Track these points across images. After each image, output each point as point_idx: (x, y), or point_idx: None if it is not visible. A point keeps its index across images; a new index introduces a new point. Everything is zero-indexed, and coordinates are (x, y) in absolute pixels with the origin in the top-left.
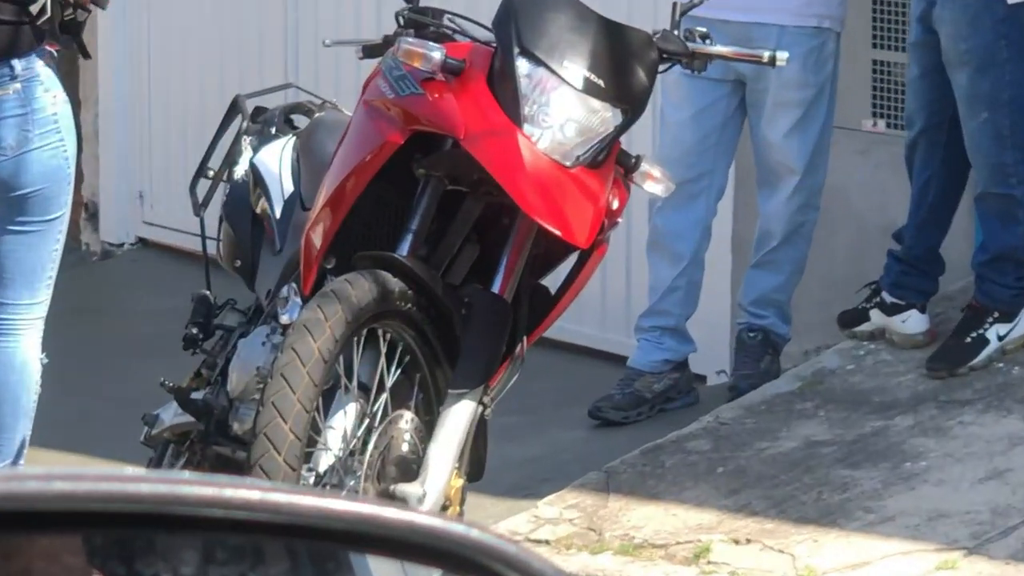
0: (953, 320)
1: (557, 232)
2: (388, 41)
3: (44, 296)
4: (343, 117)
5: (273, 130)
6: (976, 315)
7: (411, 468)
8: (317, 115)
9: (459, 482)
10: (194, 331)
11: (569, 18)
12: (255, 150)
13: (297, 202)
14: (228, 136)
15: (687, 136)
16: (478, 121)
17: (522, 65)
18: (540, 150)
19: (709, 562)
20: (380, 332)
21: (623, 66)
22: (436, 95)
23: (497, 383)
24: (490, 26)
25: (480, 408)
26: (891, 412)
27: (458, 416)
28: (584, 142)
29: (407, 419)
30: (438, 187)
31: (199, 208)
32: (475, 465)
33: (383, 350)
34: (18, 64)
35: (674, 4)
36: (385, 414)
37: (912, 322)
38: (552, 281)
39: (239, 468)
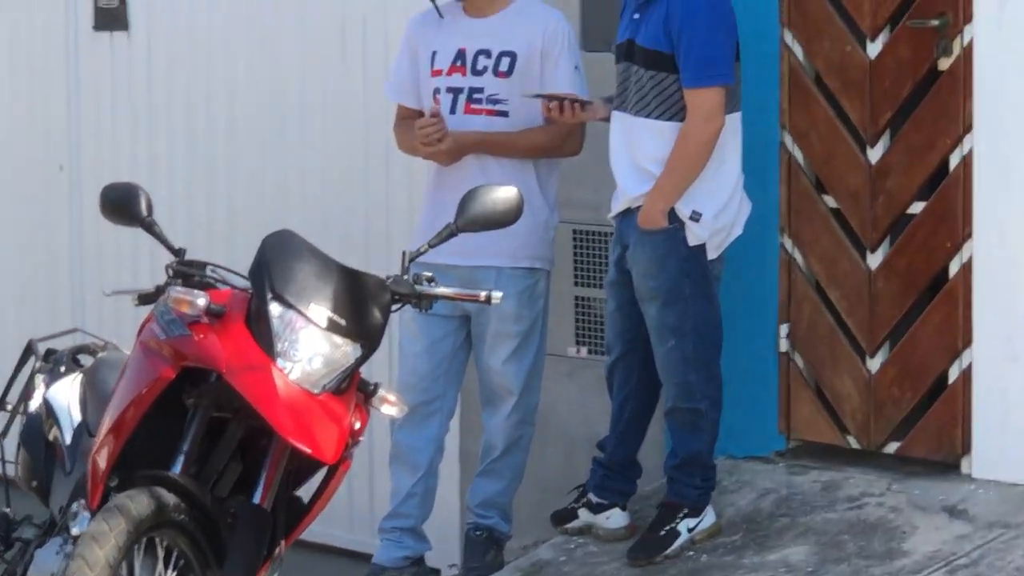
0: (649, 516)
1: (307, 451)
2: (160, 290)
3: None
4: (122, 356)
5: (63, 368)
6: (669, 511)
7: None
8: (100, 355)
9: None
10: None
11: (314, 267)
12: (47, 386)
13: (84, 430)
14: (23, 374)
15: (421, 365)
16: (238, 357)
17: (274, 308)
18: (292, 380)
19: None
20: (158, 540)
21: (361, 307)
22: (201, 336)
23: None
24: (247, 275)
25: None
26: None
27: None
28: (329, 373)
29: None
30: (205, 414)
31: None
32: None
33: (160, 555)
34: None
35: (403, 252)
36: None
37: (615, 519)
38: (306, 491)
39: None
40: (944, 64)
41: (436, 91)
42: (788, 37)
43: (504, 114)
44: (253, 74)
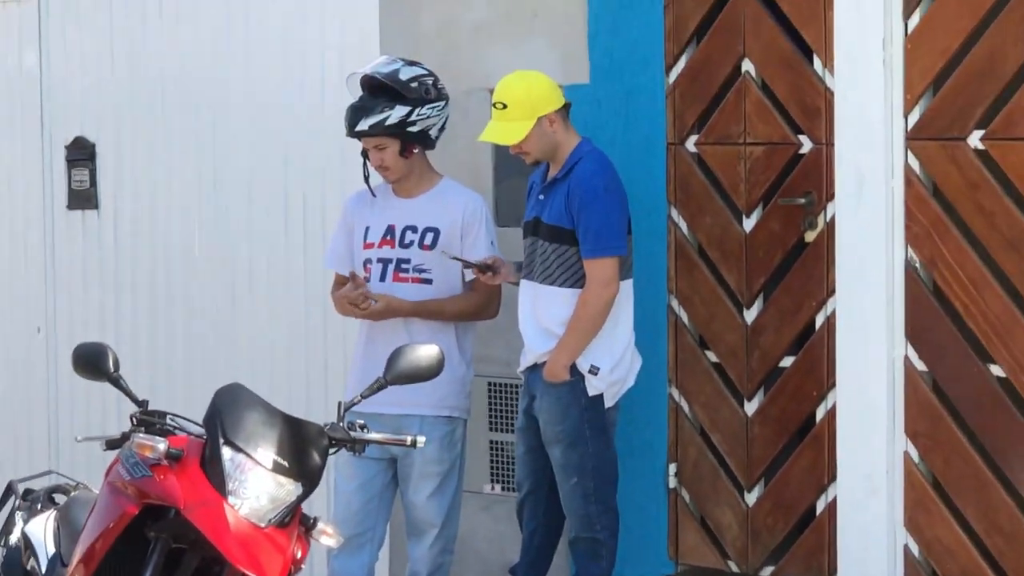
0: None
1: None
2: (125, 436)
3: None
4: (92, 495)
5: (39, 506)
6: None
7: None
8: (73, 494)
9: None
10: None
11: (261, 415)
12: (26, 521)
13: (59, 560)
14: (4, 512)
15: (355, 501)
16: (194, 495)
17: (226, 452)
18: (241, 515)
19: None
20: None
21: (302, 451)
22: (162, 476)
23: None
24: (202, 423)
25: None
26: None
27: None
28: (274, 508)
29: None
30: (165, 545)
31: None
32: None
33: None
34: None
35: (339, 403)
36: None
37: None
38: None
39: None
40: (810, 237)
41: (367, 261)
42: (674, 213)
43: (428, 281)
44: (207, 247)
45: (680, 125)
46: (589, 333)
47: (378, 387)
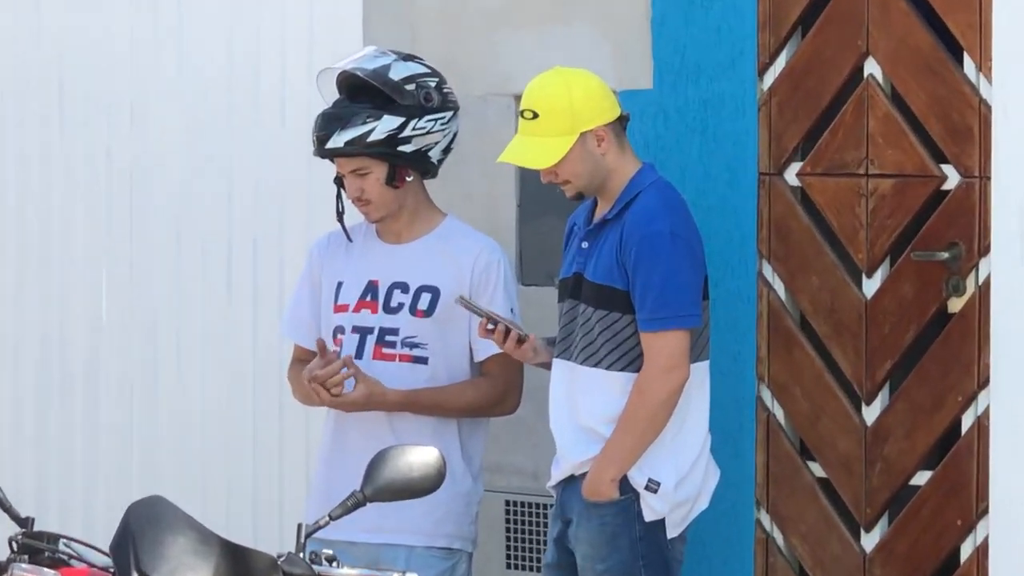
0: None
1: None
2: (1, 568)
3: None
4: None
5: None
6: None
7: None
8: None
9: None
10: None
11: (190, 541)
12: None
13: None
14: None
15: None
16: None
17: None
18: None
19: None
20: None
21: None
22: None
23: None
24: (108, 550)
25: None
26: None
27: None
28: None
29: None
30: None
31: None
32: None
33: None
34: None
35: (299, 525)
36: None
37: None
38: None
39: None
40: (956, 305)
41: (339, 330)
42: (768, 270)
43: (423, 360)
44: (118, 307)
45: (777, 149)
46: (647, 435)
47: (353, 504)
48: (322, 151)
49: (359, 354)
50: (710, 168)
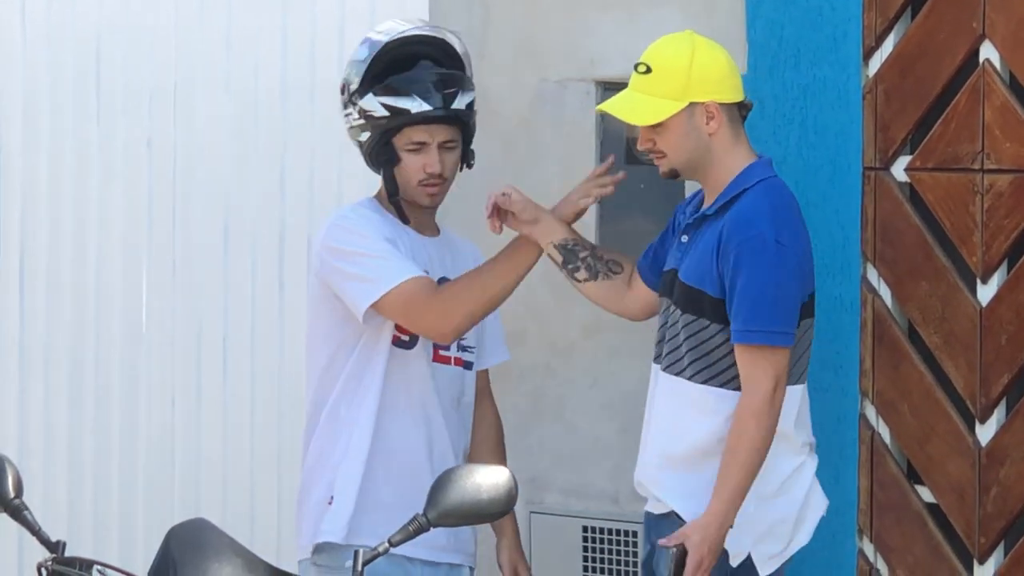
0: None
1: None
2: None
3: None
4: None
5: None
6: None
7: None
8: None
9: None
10: None
11: (235, 568)
12: None
13: None
14: None
15: None
16: None
17: None
18: None
19: None
20: None
21: None
22: None
23: None
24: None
25: None
26: None
27: None
28: None
29: None
30: None
31: None
32: None
33: None
34: None
35: (356, 552)
36: None
37: None
38: None
39: None
40: None
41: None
42: (872, 275)
43: (469, 366)
44: (159, 309)
45: (884, 141)
46: (752, 470)
47: (416, 530)
48: (439, 113)
49: (428, 353)
50: (810, 162)
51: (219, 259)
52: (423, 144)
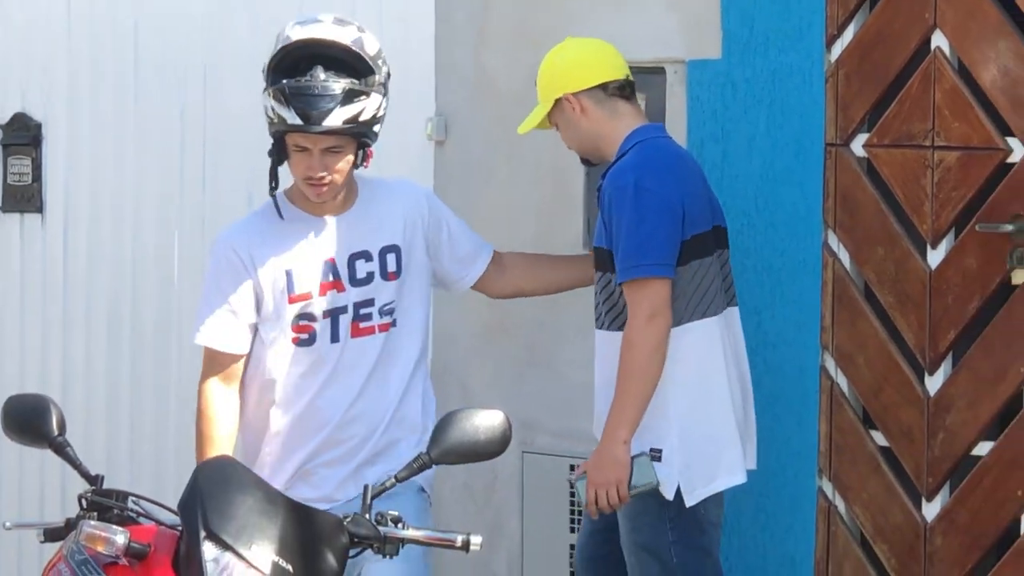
0: None
1: None
2: (70, 524)
3: None
4: None
5: None
6: None
7: None
8: None
9: None
10: None
11: (257, 500)
12: None
13: None
14: None
15: None
16: None
17: (208, 550)
18: None
19: None
20: None
21: (313, 551)
22: None
23: None
24: (176, 509)
25: None
26: None
27: None
28: None
29: None
30: None
31: None
32: None
33: None
34: None
35: (365, 487)
36: None
37: None
38: None
39: None
40: (1019, 277)
41: (304, 319)
42: (833, 240)
43: (394, 324)
44: (191, 271)
45: (844, 120)
46: (644, 388)
47: (419, 467)
48: (313, 129)
49: (335, 337)
50: (777, 139)
51: None
52: (305, 148)
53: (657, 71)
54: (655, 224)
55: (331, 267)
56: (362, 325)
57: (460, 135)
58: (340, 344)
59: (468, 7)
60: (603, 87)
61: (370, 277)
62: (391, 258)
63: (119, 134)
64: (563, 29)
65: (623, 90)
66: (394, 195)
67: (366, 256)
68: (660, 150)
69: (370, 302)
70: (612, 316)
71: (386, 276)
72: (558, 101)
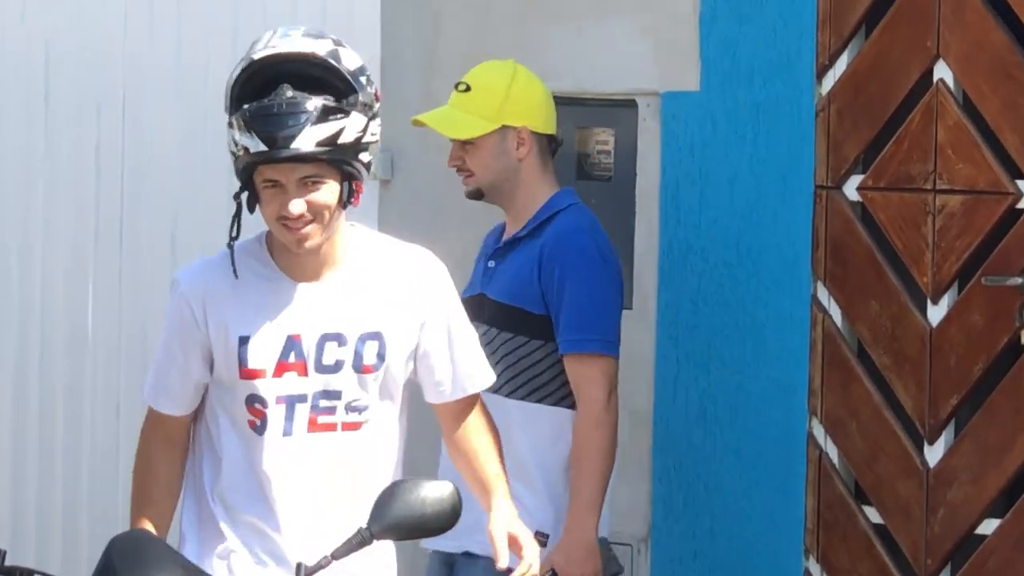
0: None
1: None
2: None
3: None
4: None
5: None
6: None
7: None
8: None
9: None
10: None
11: None
12: None
13: None
14: None
15: None
16: None
17: None
18: None
19: None
20: None
21: None
22: None
23: None
24: None
25: None
26: None
27: None
28: None
29: None
30: None
31: None
32: None
33: None
34: None
35: (298, 565)
36: None
37: None
38: None
39: None
40: None
41: (254, 401)
42: (823, 294)
43: (361, 425)
44: (104, 324)
45: (836, 160)
46: (607, 474)
47: (358, 543)
48: (280, 154)
49: (288, 430)
50: (761, 179)
51: (166, 268)
52: (276, 182)
53: (627, 104)
54: (614, 298)
55: (293, 344)
56: (321, 419)
57: (407, 173)
58: (292, 438)
59: (416, 32)
60: (551, 138)
61: (338, 365)
62: (371, 347)
63: (25, 171)
64: (519, 56)
65: (553, 148)
66: (397, 270)
67: (339, 339)
68: (597, 220)
69: (336, 394)
70: (520, 384)
71: (360, 368)
72: (504, 128)
